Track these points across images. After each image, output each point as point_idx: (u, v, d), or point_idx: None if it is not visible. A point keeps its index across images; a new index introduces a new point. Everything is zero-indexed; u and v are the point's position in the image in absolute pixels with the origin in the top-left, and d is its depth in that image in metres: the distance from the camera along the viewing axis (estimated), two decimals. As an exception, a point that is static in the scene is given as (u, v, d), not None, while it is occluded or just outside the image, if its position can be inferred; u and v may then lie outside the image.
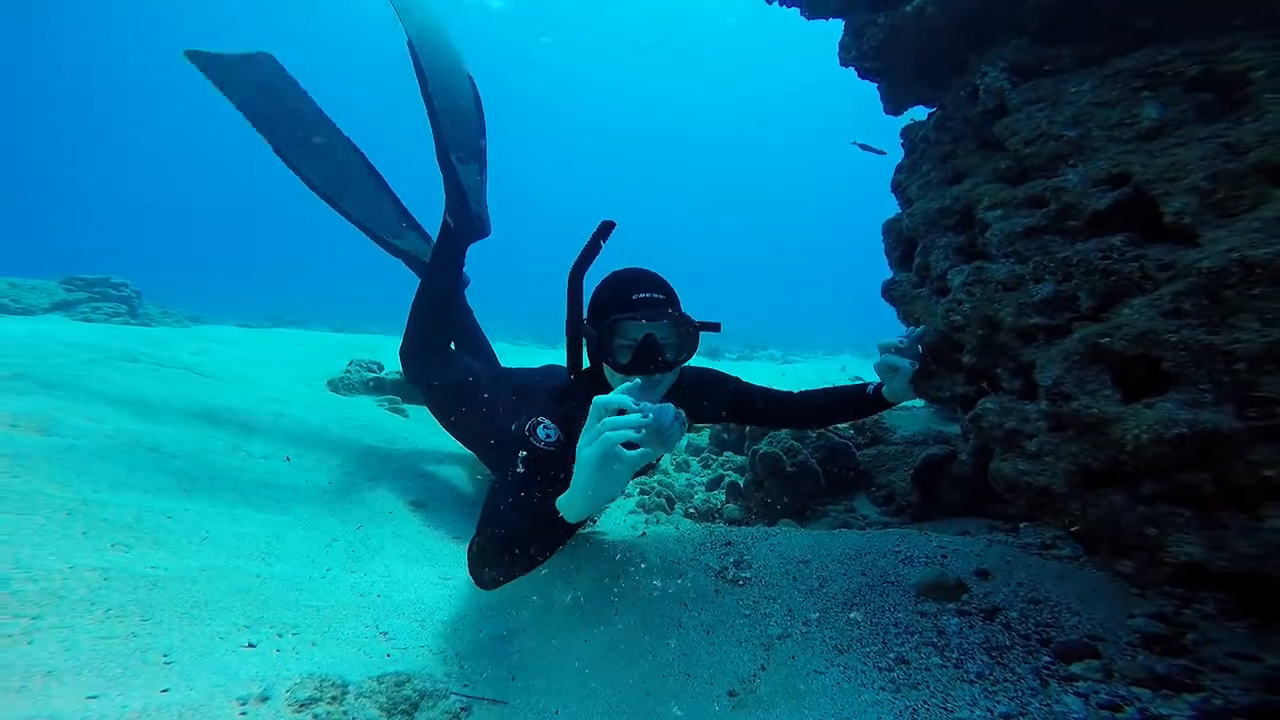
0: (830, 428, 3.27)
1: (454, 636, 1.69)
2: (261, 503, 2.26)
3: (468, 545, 1.42)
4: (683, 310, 1.53)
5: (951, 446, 2.86)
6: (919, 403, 4.45)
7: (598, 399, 1.18)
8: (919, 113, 2.77)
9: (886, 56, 2.45)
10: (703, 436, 4.45)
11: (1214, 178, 1.19)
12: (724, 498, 3.31)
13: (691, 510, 3.22)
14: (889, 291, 2.10)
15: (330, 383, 4.52)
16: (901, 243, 2.14)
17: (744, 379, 2.10)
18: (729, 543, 2.34)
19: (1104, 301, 1.35)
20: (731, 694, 1.39)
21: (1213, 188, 1.19)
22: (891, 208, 2.45)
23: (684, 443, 4.37)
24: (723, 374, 1.97)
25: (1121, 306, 1.30)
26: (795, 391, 1.98)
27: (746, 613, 1.80)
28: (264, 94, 3.00)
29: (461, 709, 1.32)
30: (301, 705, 1.15)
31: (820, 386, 2.01)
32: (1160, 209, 1.29)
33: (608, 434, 1.13)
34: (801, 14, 2.82)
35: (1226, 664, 1.33)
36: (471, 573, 1.40)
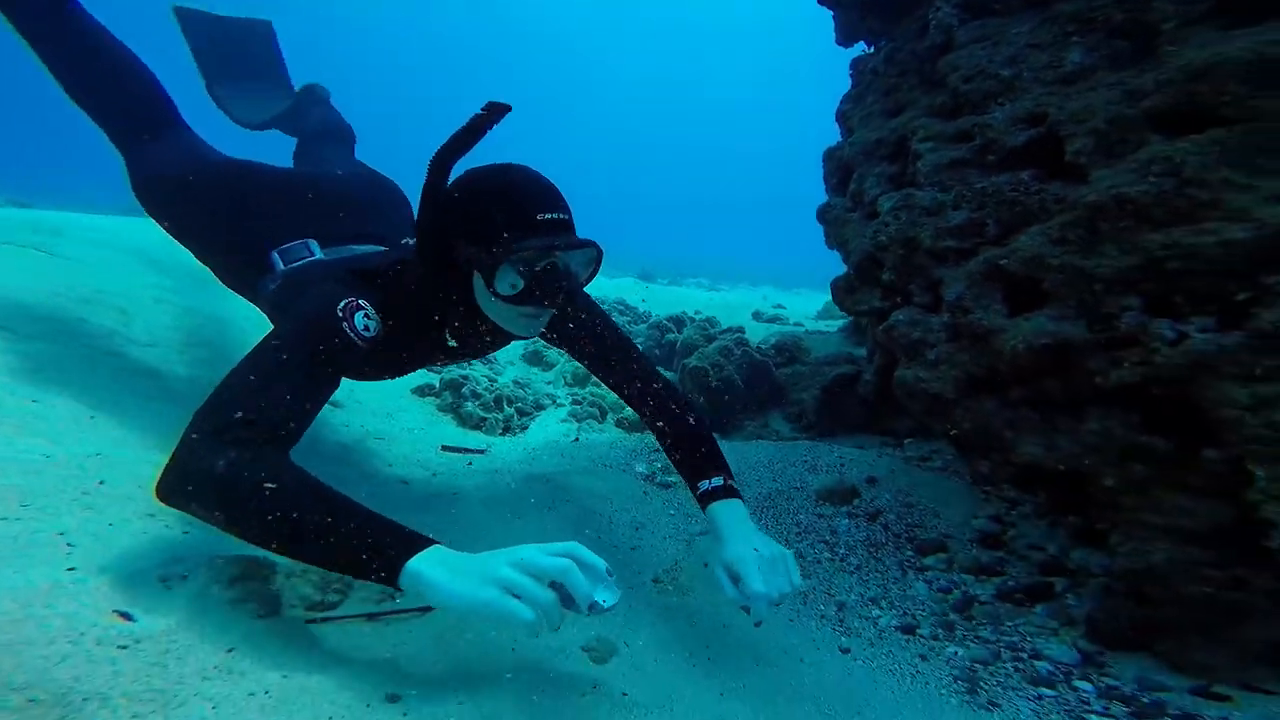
0: (756, 346, 3.48)
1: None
2: (152, 392, 1.93)
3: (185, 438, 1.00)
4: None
5: (857, 367, 3.13)
6: (834, 325, 4.78)
7: (584, 553, 0.93)
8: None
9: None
10: (633, 351, 4.56)
11: (1112, 121, 1.37)
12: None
13: (623, 420, 3.34)
14: (824, 215, 2.24)
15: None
16: (839, 169, 2.27)
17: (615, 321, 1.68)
18: (658, 449, 2.52)
19: (1008, 229, 1.53)
20: (656, 581, 1.53)
21: (1109, 130, 1.37)
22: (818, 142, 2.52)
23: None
24: (597, 312, 1.55)
25: (1020, 234, 1.49)
26: (655, 378, 1.51)
27: (671, 512, 1.97)
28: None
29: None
30: (232, 581, 1.05)
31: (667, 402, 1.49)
32: (1065, 148, 1.46)
33: (549, 585, 0.88)
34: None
35: (1025, 554, 1.69)
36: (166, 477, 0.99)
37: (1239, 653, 1.24)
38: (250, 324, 2.56)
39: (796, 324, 5.23)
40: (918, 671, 1.33)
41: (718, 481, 1.32)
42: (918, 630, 1.46)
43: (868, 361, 3.22)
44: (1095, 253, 1.32)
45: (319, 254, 1.54)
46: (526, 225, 1.11)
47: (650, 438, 2.75)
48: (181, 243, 1.81)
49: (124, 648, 0.89)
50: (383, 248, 1.61)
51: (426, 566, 0.88)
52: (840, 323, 4.81)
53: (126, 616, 0.95)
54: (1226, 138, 1.16)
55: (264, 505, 0.91)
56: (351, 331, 1.14)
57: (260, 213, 1.61)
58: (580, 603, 0.88)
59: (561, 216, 1.16)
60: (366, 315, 1.17)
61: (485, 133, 1.14)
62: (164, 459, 1.00)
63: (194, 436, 0.98)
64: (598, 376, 1.53)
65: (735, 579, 1.14)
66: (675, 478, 2.26)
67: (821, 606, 1.56)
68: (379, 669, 1.00)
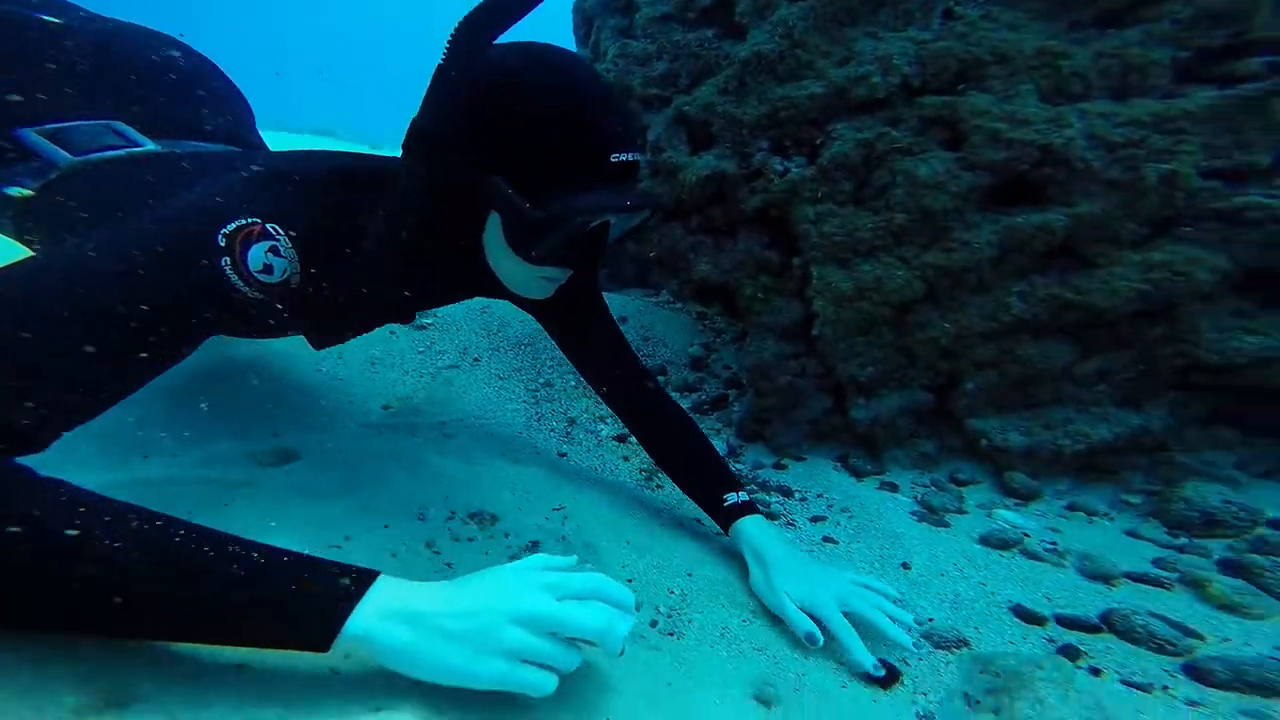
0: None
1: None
2: None
3: None
4: None
5: (629, 227, 3.44)
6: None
7: (613, 591, 0.69)
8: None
9: None
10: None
11: (761, -12, 1.65)
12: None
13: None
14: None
15: None
16: (585, 23, 2.37)
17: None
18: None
19: (694, 79, 1.80)
20: (386, 407, 1.50)
21: (760, -5, 1.66)
22: None
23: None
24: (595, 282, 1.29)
25: (702, 85, 1.77)
26: (645, 374, 1.26)
27: (420, 350, 1.95)
28: None
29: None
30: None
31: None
32: (735, 10, 1.73)
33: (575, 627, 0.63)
34: None
35: (718, 373, 2.07)
36: None
37: (797, 431, 1.59)
38: None
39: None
40: (617, 467, 1.55)
41: (743, 496, 1.11)
42: (628, 439, 1.69)
43: (632, 219, 3.54)
44: (744, 102, 1.65)
45: (150, 145, 1.02)
46: (597, 171, 0.75)
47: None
48: None
49: None
50: (233, 149, 1.16)
51: (379, 625, 0.56)
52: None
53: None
54: (816, 5, 1.49)
55: (26, 558, 0.50)
56: (232, 269, 0.72)
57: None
58: (612, 654, 0.66)
59: (636, 157, 0.81)
60: (274, 250, 0.76)
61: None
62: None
63: None
64: (571, 358, 1.28)
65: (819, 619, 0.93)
66: (431, 319, 2.30)
67: (554, 423, 1.74)
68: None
